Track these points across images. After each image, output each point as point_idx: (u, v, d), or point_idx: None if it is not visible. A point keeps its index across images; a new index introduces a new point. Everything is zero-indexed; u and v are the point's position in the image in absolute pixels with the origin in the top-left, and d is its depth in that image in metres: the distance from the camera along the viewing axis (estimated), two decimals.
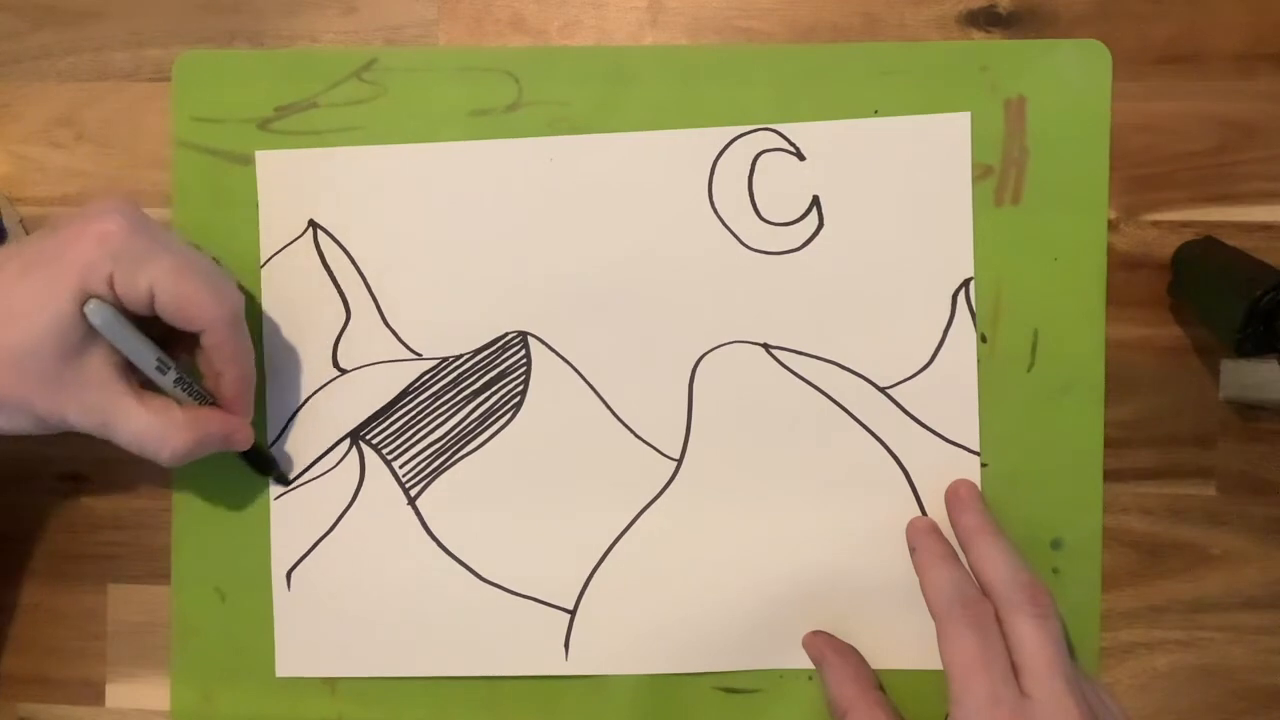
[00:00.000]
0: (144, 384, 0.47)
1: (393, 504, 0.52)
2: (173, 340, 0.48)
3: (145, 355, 0.46)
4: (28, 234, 0.53)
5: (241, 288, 0.50)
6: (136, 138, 0.54)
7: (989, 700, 0.43)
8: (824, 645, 0.50)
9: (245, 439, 0.49)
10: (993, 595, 0.46)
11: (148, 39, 0.54)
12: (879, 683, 0.50)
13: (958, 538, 0.49)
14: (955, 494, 0.50)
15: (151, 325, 0.46)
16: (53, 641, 0.54)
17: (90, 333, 0.45)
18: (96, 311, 0.44)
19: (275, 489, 0.53)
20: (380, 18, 0.53)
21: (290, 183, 0.52)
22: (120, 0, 0.54)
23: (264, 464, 0.52)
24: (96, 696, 0.54)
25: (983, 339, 0.51)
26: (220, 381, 0.48)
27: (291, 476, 0.53)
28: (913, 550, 0.49)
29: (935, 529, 0.50)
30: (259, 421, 0.52)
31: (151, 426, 0.46)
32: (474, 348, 0.52)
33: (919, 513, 0.51)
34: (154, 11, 0.54)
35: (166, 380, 0.47)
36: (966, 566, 0.48)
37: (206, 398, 0.48)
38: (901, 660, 0.51)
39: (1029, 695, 0.43)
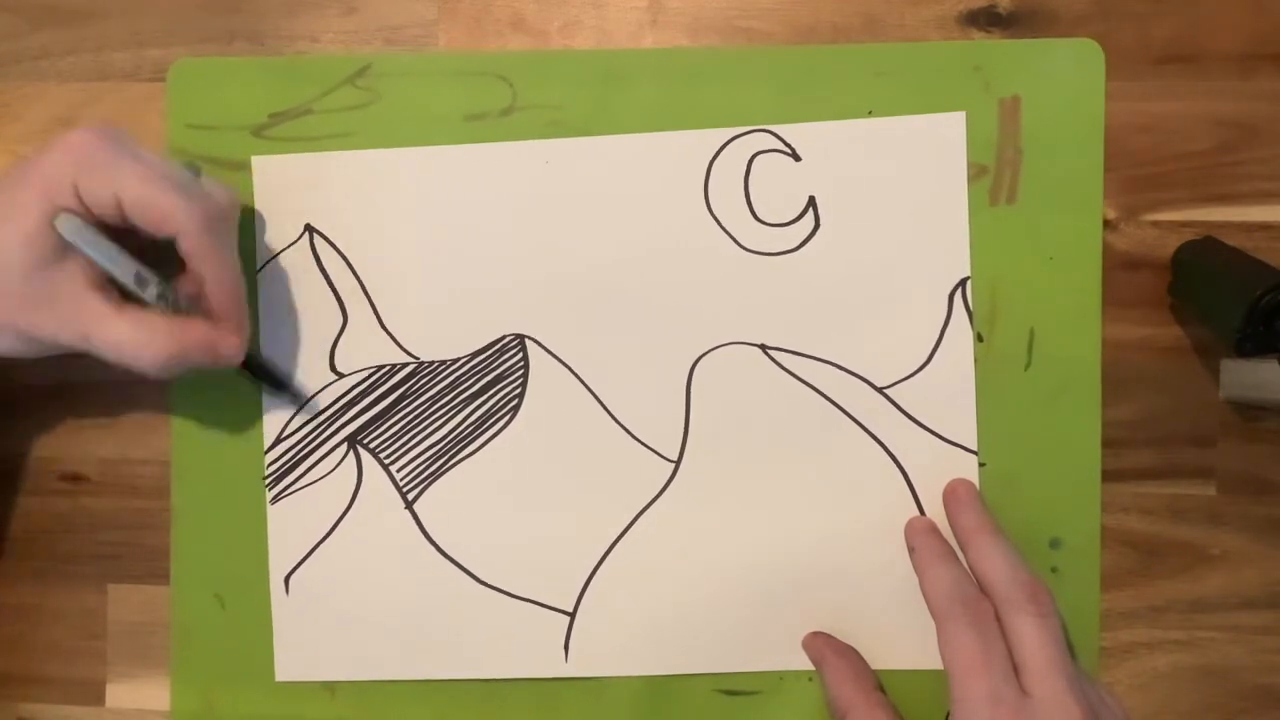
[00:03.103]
0: (126, 298, 0.47)
1: (390, 508, 0.52)
2: (166, 263, 0.47)
3: (123, 266, 0.46)
4: None
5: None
6: (136, 138, 0.53)
7: (990, 699, 0.43)
8: (824, 646, 0.50)
9: (231, 350, 0.48)
10: (992, 594, 0.46)
11: (148, 39, 0.54)
12: (879, 683, 0.50)
13: (956, 537, 0.49)
14: (953, 493, 0.50)
15: (140, 245, 0.46)
16: (53, 641, 0.55)
17: (64, 246, 0.45)
18: (65, 223, 0.44)
19: (272, 493, 0.53)
20: (380, 18, 0.53)
21: (286, 188, 0.52)
22: (120, 0, 0.54)
23: (272, 380, 0.52)
24: (96, 696, 0.54)
25: (979, 338, 0.51)
26: (204, 291, 0.47)
27: (300, 395, 0.52)
28: (911, 550, 0.50)
29: (934, 528, 0.50)
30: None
31: (130, 335, 0.46)
32: (471, 351, 0.52)
33: (917, 512, 0.51)
34: (154, 11, 0.54)
35: (149, 294, 0.46)
36: (965, 566, 0.48)
37: (193, 312, 0.47)
38: (901, 660, 0.51)
39: (1030, 694, 0.43)
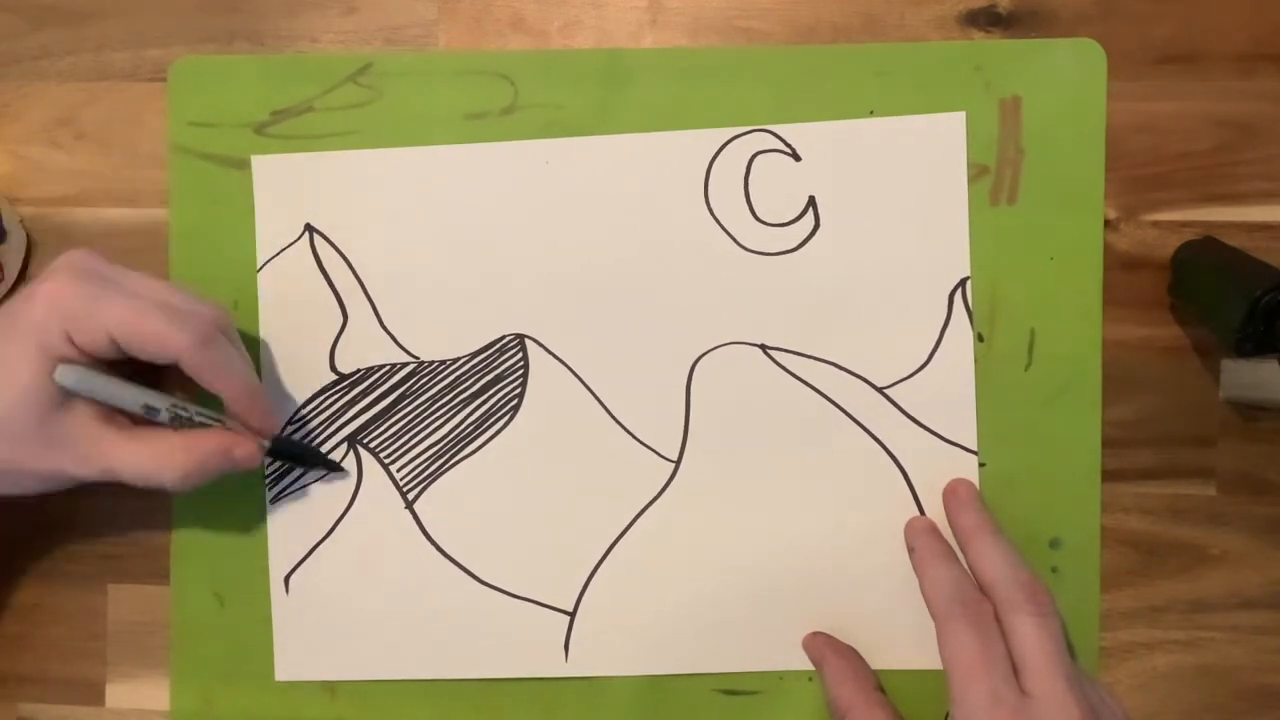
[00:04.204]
0: (137, 420, 0.47)
1: (391, 507, 0.52)
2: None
3: (130, 402, 0.46)
4: (28, 234, 0.54)
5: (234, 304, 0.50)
6: (136, 138, 0.54)
7: (990, 700, 0.43)
8: (824, 646, 0.50)
9: (248, 454, 0.48)
10: (992, 594, 0.46)
11: (148, 39, 0.54)
12: (879, 683, 0.50)
13: (956, 537, 0.49)
14: (953, 493, 0.50)
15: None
16: (53, 641, 0.54)
17: (65, 391, 0.45)
18: (67, 374, 0.45)
19: (272, 492, 0.53)
20: (380, 18, 0.53)
21: (286, 187, 0.52)
22: (120, 0, 0.54)
23: (313, 461, 0.52)
24: (96, 696, 0.54)
25: (980, 338, 0.51)
26: (223, 400, 0.48)
27: (339, 468, 0.52)
28: (911, 550, 0.50)
29: (934, 528, 0.50)
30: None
31: (148, 459, 0.47)
32: (471, 350, 0.52)
33: (917, 512, 0.51)
34: (154, 11, 0.54)
35: (161, 419, 0.47)
36: (965, 566, 0.48)
37: (213, 421, 0.48)
38: (901, 660, 0.51)
39: (1030, 694, 0.43)
